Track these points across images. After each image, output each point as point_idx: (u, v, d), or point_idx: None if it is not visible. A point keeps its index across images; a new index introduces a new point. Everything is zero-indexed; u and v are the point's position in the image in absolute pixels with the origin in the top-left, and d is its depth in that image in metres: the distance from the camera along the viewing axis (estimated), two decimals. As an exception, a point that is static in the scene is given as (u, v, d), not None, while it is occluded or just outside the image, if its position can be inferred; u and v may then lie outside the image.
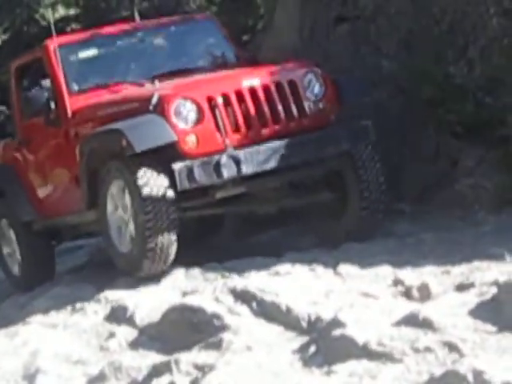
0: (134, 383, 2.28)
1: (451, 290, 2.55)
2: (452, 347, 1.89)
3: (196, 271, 3.47)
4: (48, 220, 4.29)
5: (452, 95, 3.88)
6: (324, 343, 2.12)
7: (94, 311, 3.23)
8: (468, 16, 4.13)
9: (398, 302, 2.52)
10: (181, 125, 3.26)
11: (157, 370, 2.23)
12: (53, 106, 3.78)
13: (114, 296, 3.40)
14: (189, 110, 3.29)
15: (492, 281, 2.39)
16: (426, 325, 2.05)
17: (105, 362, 2.53)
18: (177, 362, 2.17)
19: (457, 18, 4.18)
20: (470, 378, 1.58)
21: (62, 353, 2.73)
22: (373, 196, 3.54)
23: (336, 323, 2.18)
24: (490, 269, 2.74)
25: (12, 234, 4.43)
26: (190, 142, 3.27)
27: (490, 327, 2.05)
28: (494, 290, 2.28)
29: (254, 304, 2.58)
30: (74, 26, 9.29)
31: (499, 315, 2.10)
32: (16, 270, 4.45)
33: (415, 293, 2.54)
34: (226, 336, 2.33)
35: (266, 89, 3.41)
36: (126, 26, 4.32)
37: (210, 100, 3.31)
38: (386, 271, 2.92)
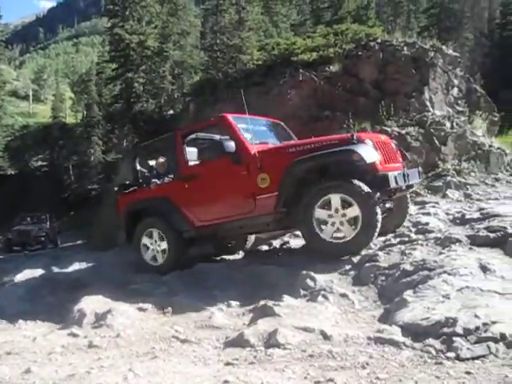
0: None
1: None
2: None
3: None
4: (206, 228, 5.60)
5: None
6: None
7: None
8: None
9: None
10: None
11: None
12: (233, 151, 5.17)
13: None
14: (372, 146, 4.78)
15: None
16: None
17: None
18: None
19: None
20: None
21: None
22: None
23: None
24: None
25: (162, 239, 5.87)
26: (379, 163, 4.74)
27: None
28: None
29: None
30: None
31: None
32: (160, 260, 5.92)
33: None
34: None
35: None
36: (260, 117, 6.28)
37: (377, 143, 4.90)
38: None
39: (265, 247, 6.49)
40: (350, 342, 3.05)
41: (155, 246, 5.97)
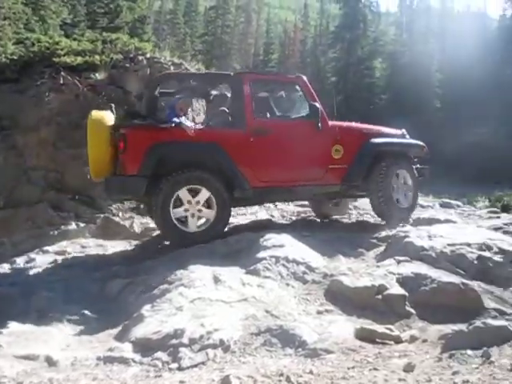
0: None
1: None
2: None
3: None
4: (261, 190, 5.18)
5: None
6: None
7: None
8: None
9: None
10: None
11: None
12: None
13: None
14: None
15: None
16: None
17: None
18: None
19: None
20: None
21: None
22: None
23: None
24: None
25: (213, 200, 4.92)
26: None
27: None
28: None
29: None
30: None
31: None
32: (193, 227, 4.91)
33: None
34: None
35: None
36: None
37: None
38: None
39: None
40: (78, 366, 2.90)
41: (193, 207, 4.92)
